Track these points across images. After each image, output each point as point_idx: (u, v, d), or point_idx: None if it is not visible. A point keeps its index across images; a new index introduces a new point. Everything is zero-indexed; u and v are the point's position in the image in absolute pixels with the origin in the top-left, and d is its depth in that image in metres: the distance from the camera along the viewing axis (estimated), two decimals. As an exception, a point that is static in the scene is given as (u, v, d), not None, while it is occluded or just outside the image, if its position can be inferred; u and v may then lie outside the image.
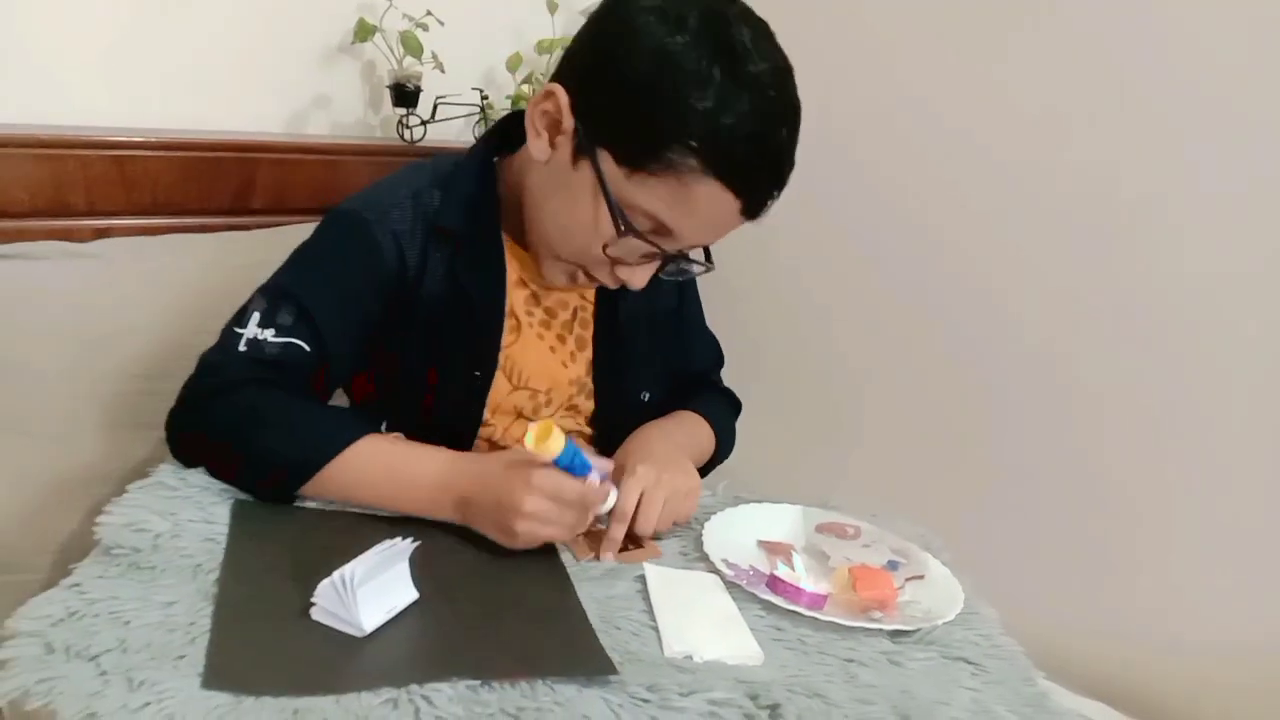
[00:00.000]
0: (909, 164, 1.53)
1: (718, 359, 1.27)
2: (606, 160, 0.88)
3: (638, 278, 0.95)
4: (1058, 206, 1.39)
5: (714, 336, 1.27)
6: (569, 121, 0.89)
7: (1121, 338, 1.36)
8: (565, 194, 0.92)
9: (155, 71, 1.35)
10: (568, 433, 1.09)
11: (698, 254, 1.00)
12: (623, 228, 0.89)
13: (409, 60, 1.50)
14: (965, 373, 1.52)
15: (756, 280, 1.69)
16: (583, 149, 0.89)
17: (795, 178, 0.91)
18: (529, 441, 0.80)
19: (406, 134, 1.54)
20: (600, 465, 0.87)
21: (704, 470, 1.14)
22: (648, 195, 0.87)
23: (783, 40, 0.90)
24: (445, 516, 0.87)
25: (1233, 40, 1.22)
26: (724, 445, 1.16)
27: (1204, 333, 1.29)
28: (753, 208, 0.89)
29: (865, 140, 1.56)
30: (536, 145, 0.92)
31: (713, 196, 0.87)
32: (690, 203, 0.87)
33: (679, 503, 0.94)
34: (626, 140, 0.86)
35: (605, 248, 0.92)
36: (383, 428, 1.00)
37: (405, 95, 1.52)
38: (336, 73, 1.54)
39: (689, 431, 1.12)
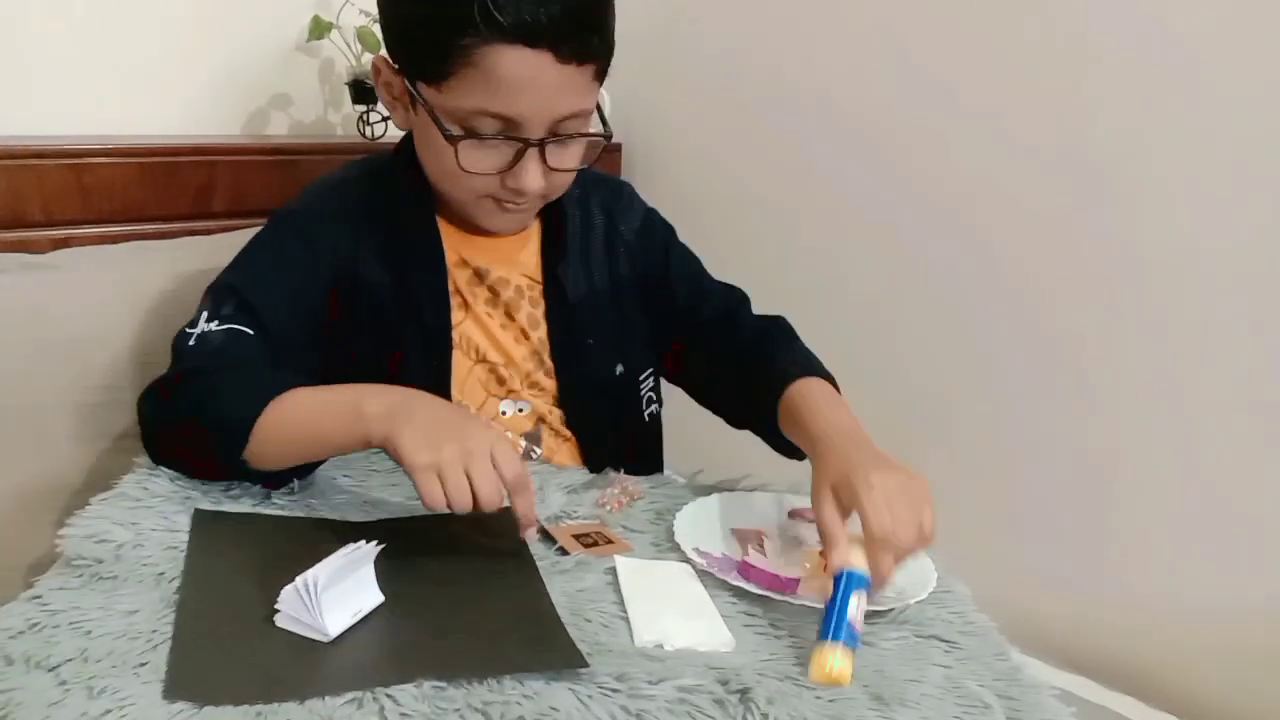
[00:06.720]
0: (897, 147, 1.53)
1: (742, 298, 1.19)
2: (424, 89, 0.94)
3: (523, 179, 0.96)
4: (1033, 178, 1.40)
5: (728, 285, 1.19)
6: (398, 81, 0.96)
7: (1093, 308, 1.36)
8: (424, 141, 0.98)
9: (109, 77, 1.34)
10: (539, 421, 1.10)
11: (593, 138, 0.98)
12: (446, 135, 0.92)
13: (367, 56, 1.49)
14: (934, 352, 1.52)
15: (731, 266, 1.68)
16: (410, 93, 0.95)
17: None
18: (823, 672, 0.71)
19: (368, 131, 1.53)
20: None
21: None
22: (461, 95, 0.91)
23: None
24: (369, 430, 0.80)
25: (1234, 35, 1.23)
26: (830, 377, 1.05)
27: (1178, 300, 1.30)
28: (561, 48, 0.88)
29: (863, 123, 1.55)
30: (398, 118, 1.01)
31: (509, 61, 0.88)
32: (496, 79, 0.89)
33: (920, 508, 0.82)
34: (422, 61, 0.92)
35: (459, 166, 0.94)
36: None
37: (364, 92, 1.51)
38: (294, 72, 1.52)
39: (840, 405, 0.99)
